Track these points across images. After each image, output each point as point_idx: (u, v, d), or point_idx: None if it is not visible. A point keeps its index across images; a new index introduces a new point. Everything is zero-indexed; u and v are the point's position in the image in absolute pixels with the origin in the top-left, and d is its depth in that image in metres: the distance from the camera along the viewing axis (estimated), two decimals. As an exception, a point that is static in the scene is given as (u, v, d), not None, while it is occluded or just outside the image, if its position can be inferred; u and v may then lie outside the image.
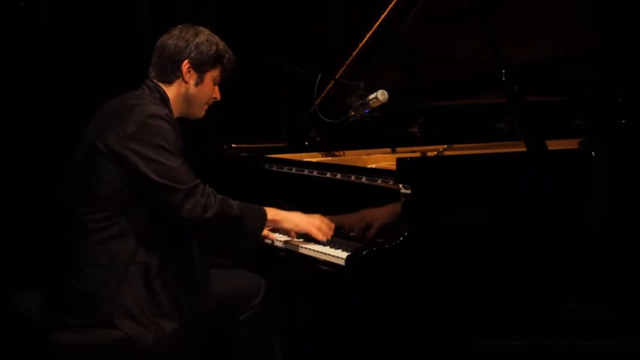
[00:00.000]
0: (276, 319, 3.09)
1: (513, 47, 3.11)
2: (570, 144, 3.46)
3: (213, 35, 2.92)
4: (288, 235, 3.03)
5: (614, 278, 3.15)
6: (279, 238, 3.05)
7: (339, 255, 2.74)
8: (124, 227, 2.70)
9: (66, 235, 2.76)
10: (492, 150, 3.59)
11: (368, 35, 3.17)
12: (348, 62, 3.27)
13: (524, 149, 2.96)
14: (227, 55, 2.93)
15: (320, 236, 2.91)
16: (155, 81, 2.87)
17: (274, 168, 3.34)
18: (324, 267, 2.81)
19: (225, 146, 3.56)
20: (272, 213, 2.89)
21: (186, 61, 2.86)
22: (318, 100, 3.38)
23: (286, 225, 2.94)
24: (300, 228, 2.94)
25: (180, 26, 2.91)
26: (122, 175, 2.69)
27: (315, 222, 2.93)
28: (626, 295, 3.21)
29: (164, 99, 2.85)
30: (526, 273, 2.91)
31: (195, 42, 2.86)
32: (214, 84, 2.93)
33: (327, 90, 3.39)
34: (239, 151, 3.54)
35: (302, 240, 2.97)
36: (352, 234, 2.95)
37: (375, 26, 3.13)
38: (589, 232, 3.03)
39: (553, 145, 3.06)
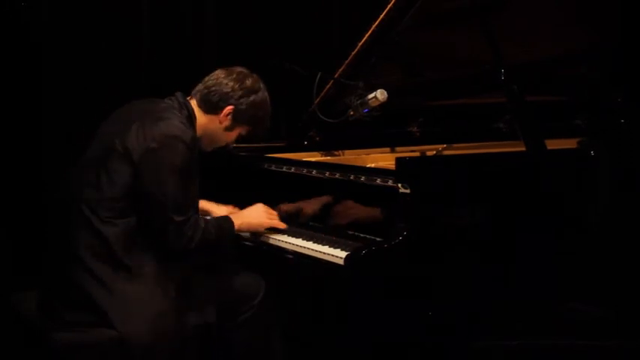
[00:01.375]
0: (276, 319, 3.08)
1: (513, 47, 3.11)
2: (570, 144, 3.46)
3: (266, 95, 2.96)
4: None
5: (614, 278, 3.15)
6: (276, 237, 3.05)
7: (338, 254, 2.74)
8: (127, 228, 2.71)
9: (67, 233, 2.76)
10: (492, 150, 3.59)
11: (367, 35, 3.16)
12: (347, 62, 3.27)
13: (524, 149, 2.96)
14: (266, 122, 2.99)
15: (275, 224, 3.03)
16: (189, 100, 2.90)
17: (273, 167, 3.34)
18: (323, 266, 2.81)
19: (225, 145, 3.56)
20: (238, 223, 2.95)
21: (232, 107, 2.89)
22: (318, 100, 3.38)
23: (245, 230, 3.01)
24: (255, 228, 3.03)
25: (243, 71, 2.94)
26: (133, 179, 2.70)
27: (263, 215, 3.02)
28: (626, 295, 3.21)
29: (191, 118, 2.88)
30: (526, 273, 2.91)
31: (252, 98, 2.91)
32: (237, 135, 2.99)
33: (326, 90, 3.39)
34: (238, 150, 3.54)
35: (301, 239, 2.97)
36: (351, 233, 2.95)
37: (375, 26, 3.13)
38: (589, 231, 3.03)
39: (553, 144, 3.06)
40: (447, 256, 2.75)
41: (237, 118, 2.92)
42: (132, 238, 2.72)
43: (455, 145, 3.74)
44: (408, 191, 2.70)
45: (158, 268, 2.74)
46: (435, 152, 3.69)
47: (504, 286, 2.88)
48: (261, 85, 2.96)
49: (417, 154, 3.66)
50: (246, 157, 3.52)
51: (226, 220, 2.95)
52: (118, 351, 2.67)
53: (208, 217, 2.97)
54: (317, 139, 3.68)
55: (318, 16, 4.54)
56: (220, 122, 2.92)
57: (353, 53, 3.25)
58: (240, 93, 2.90)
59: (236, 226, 2.94)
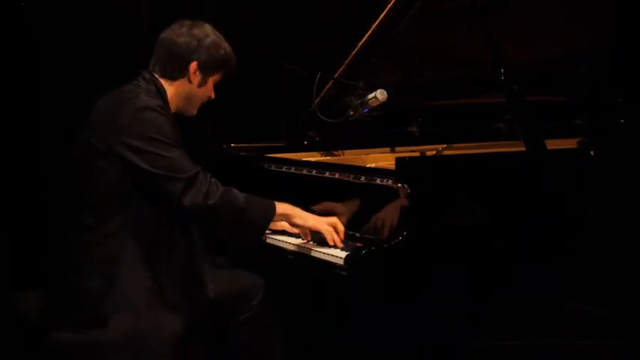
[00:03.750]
0: (276, 319, 3.08)
1: (513, 47, 3.11)
2: (570, 144, 3.46)
3: (220, 36, 2.90)
4: (302, 237, 2.98)
5: (614, 278, 3.15)
6: (276, 237, 3.05)
7: (338, 254, 2.73)
8: (123, 225, 2.71)
9: (65, 234, 2.76)
10: (492, 150, 3.59)
11: (367, 35, 3.17)
12: (347, 62, 3.27)
13: (524, 149, 2.96)
14: (232, 59, 2.92)
15: (329, 237, 2.84)
16: (155, 75, 2.85)
17: (273, 167, 3.34)
18: (323, 266, 2.81)
19: (225, 145, 3.56)
20: (283, 207, 2.84)
21: (195, 62, 2.85)
22: (318, 100, 3.39)
23: (297, 220, 2.88)
24: (309, 224, 2.88)
25: (187, 22, 2.88)
26: (118, 173, 2.68)
27: (329, 220, 2.88)
28: (626, 295, 3.21)
29: (160, 91, 2.82)
30: (526, 273, 2.91)
31: (206, 43, 2.84)
32: (213, 85, 2.93)
33: (326, 89, 3.40)
34: (238, 150, 3.55)
35: (301, 239, 2.97)
36: (351, 233, 2.95)
37: (374, 26, 3.13)
38: (589, 231, 3.03)
39: (553, 144, 3.06)
40: (447, 256, 2.75)
41: (204, 69, 2.86)
42: (129, 236, 2.71)
43: (455, 145, 3.74)
44: (408, 191, 2.70)
45: (159, 266, 2.75)
46: (435, 152, 3.69)
47: (504, 286, 2.88)
48: (208, 27, 2.90)
49: (417, 154, 3.66)
50: (246, 157, 3.52)
51: (268, 201, 2.84)
52: (119, 351, 2.67)
53: None
54: (317, 139, 3.68)
55: (318, 16, 4.54)
56: (191, 81, 2.86)
57: (353, 53, 3.25)
58: (195, 45, 2.84)
59: (281, 211, 2.83)
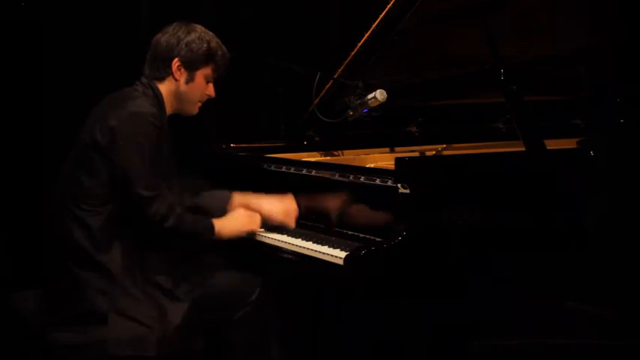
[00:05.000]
0: (274, 319, 3.08)
1: (513, 47, 3.11)
2: (570, 144, 3.46)
3: (207, 32, 2.94)
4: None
5: (614, 278, 3.15)
6: (275, 237, 3.05)
7: (338, 254, 2.74)
8: (118, 221, 2.74)
9: (62, 232, 2.78)
10: (491, 150, 3.59)
11: (367, 35, 3.17)
12: (346, 62, 3.27)
13: (524, 149, 2.96)
14: (219, 53, 2.95)
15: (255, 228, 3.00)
16: (148, 78, 2.90)
17: (273, 167, 3.34)
18: (323, 266, 2.81)
19: (224, 146, 3.56)
20: (218, 226, 2.90)
21: (176, 59, 2.89)
22: (317, 100, 3.39)
23: (227, 236, 2.95)
24: (236, 233, 2.97)
25: (174, 23, 2.94)
26: (106, 167, 2.73)
27: (243, 221, 2.98)
28: (626, 295, 3.21)
29: (157, 97, 2.88)
30: (526, 272, 2.90)
31: (186, 40, 2.89)
32: (207, 82, 2.96)
33: (325, 89, 3.40)
34: (238, 150, 3.55)
35: (301, 239, 2.97)
36: (351, 233, 2.95)
37: (374, 25, 3.13)
38: (589, 232, 3.02)
39: (552, 144, 3.06)
40: (447, 256, 2.75)
41: (187, 65, 2.91)
42: (124, 232, 2.75)
43: (455, 145, 3.74)
44: (407, 191, 2.70)
45: (156, 262, 2.77)
46: (434, 152, 3.69)
47: (504, 285, 2.88)
48: (196, 27, 2.94)
49: (417, 154, 3.66)
50: (246, 157, 3.52)
51: (207, 219, 2.93)
52: (118, 351, 2.67)
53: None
54: (316, 139, 3.68)
55: (318, 16, 4.54)
56: (177, 79, 2.91)
57: (352, 53, 3.25)
58: (174, 42, 2.89)
59: (217, 230, 2.91)
